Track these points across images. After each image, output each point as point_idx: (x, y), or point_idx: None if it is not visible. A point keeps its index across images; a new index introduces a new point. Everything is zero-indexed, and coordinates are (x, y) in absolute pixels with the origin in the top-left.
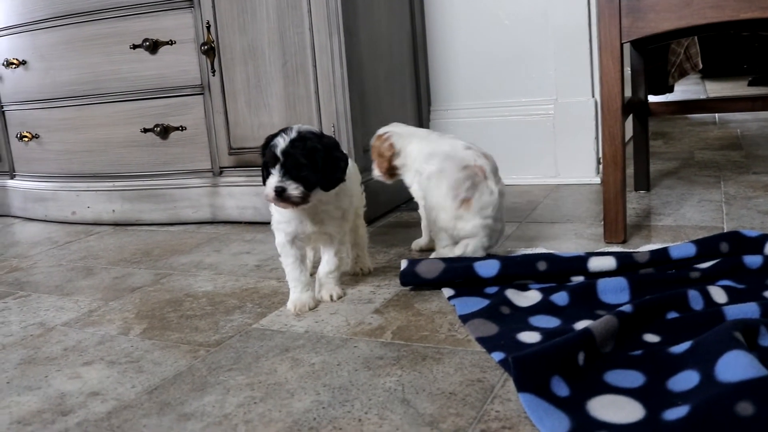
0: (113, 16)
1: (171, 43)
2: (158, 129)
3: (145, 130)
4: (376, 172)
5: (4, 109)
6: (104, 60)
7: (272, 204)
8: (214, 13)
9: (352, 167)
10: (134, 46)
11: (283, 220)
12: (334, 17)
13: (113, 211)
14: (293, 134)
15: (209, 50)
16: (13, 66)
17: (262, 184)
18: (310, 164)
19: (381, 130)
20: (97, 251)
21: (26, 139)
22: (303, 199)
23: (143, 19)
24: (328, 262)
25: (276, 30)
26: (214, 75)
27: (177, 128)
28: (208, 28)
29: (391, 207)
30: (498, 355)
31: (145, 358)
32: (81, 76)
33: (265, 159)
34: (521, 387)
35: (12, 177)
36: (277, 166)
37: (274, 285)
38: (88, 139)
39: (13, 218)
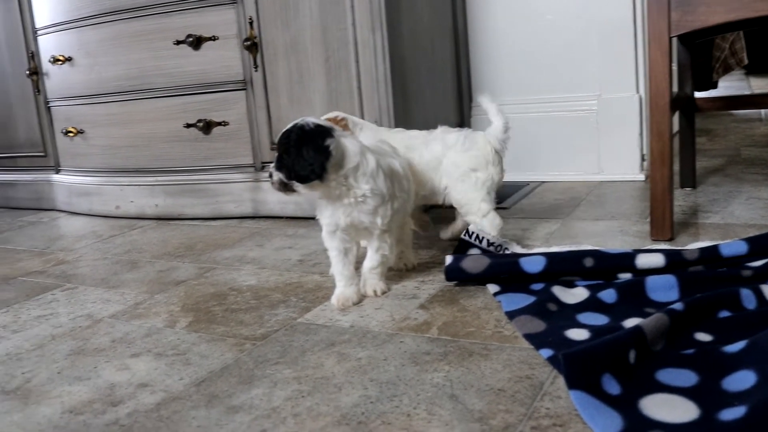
0: (158, 12)
1: (214, 38)
2: (201, 124)
3: (188, 125)
4: None
5: (50, 104)
6: (149, 56)
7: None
8: (257, 9)
9: (399, 162)
10: (178, 42)
11: (322, 211)
12: (377, 12)
13: (156, 205)
14: (290, 125)
15: (252, 46)
16: (60, 62)
17: None
18: (292, 154)
19: (333, 113)
20: (141, 245)
21: (71, 134)
22: (285, 188)
23: (187, 15)
24: (371, 257)
25: (318, 25)
26: (256, 70)
27: (219, 123)
28: (251, 23)
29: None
30: (546, 352)
31: (192, 350)
32: (126, 71)
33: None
34: (572, 384)
35: (57, 172)
36: (276, 156)
37: (318, 280)
38: (132, 134)
39: (58, 212)
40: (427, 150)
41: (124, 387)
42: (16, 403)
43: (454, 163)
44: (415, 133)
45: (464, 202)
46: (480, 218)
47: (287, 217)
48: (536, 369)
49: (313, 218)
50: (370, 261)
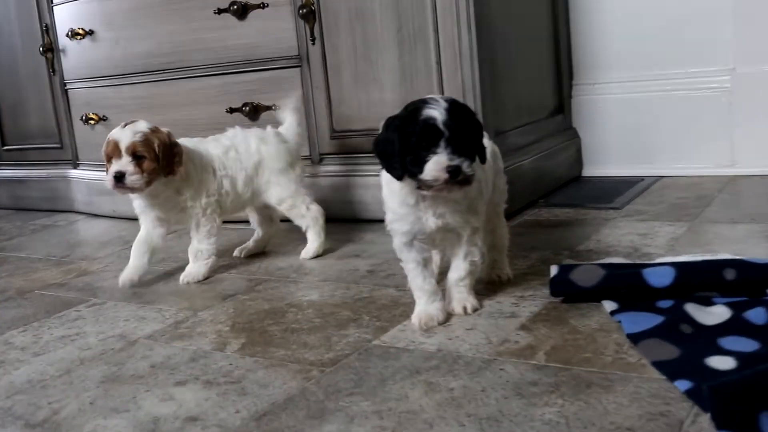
0: None
1: (263, 6)
2: (247, 108)
3: (232, 110)
4: None
5: (67, 86)
6: (184, 27)
7: (394, 196)
8: None
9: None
10: (220, 11)
11: (396, 218)
12: None
13: None
14: (444, 103)
15: (309, 14)
16: (79, 37)
17: (396, 169)
18: (477, 135)
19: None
20: (177, 252)
21: (92, 121)
22: (468, 179)
23: None
24: (457, 267)
25: None
26: (314, 43)
27: (269, 107)
28: None
29: (527, 202)
30: (683, 384)
31: (248, 378)
32: (157, 47)
33: (415, 136)
34: (721, 424)
35: (75, 166)
36: (441, 142)
37: (393, 294)
38: (165, 121)
39: (76, 214)
40: (246, 148)
41: (170, 421)
42: None
43: (274, 157)
44: (229, 134)
45: (286, 196)
46: (305, 211)
47: (350, 220)
48: (672, 404)
49: (381, 221)
50: (458, 271)
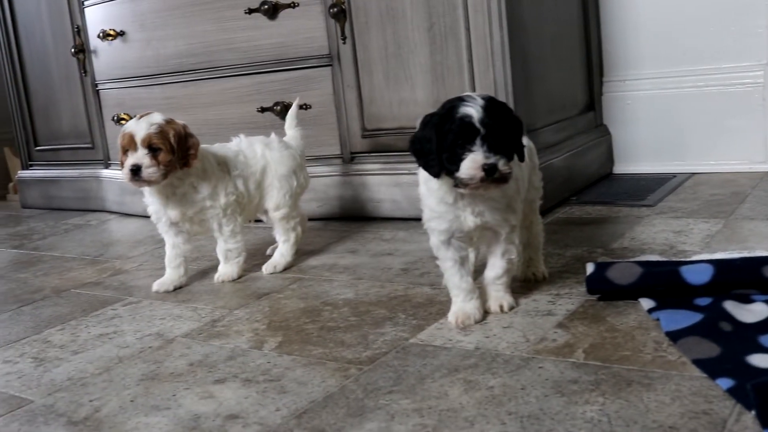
0: None
1: (294, 5)
2: (278, 108)
3: (263, 110)
4: None
5: (99, 87)
6: (215, 28)
7: (431, 194)
8: None
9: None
10: (250, 11)
11: (433, 216)
12: None
13: None
14: (480, 101)
15: (339, 13)
16: (110, 38)
17: (434, 167)
18: (514, 132)
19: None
20: (209, 251)
21: (123, 121)
22: (510, 178)
23: None
24: (494, 265)
25: None
26: (344, 42)
27: (300, 107)
28: None
29: (559, 200)
30: (725, 382)
31: (287, 376)
32: (188, 47)
33: (452, 134)
34: (767, 423)
35: (107, 166)
36: (477, 140)
37: (428, 292)
38: (196, 120)
39: (108, 213)
40: (252, 153)
41: (211, 419)
42: None
43: (278, 161)
44: (234, 142)
45: (283, 204)
46: (292, 226)
47: (382, 218)
48: (714, 403)
49: (414, 219)
50: (494, 269)
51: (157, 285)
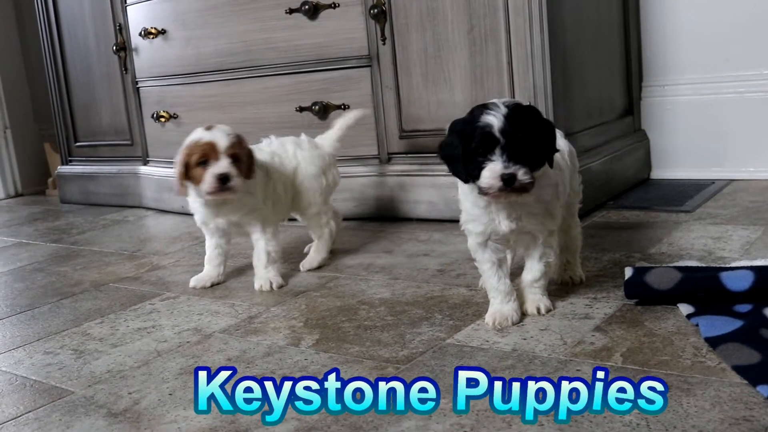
0: None
1: (334, 6)
2: (316, 107)
3: (301, 109)
4: None
5: (139, 85)
6: (255, 27)
7: (467, 197)
8: None
9: (562, 150)
10: (291, 11)
11: (470, 218)
12: None
13: None
14: (504, 109)
15: (380, 14)
16: (151, 36)
17: (461, 172)
18: (538, 141)
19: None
20: (246, 248)
21: (163, 119)
22: (532, 186)
23: None
24: (531, 268)
25: None
26: (384, 43)
27: (339, 107)
28: None
29: (596, 204)
30: (766, 389)
31: (323, 373)
32: (228, 46)
33: (473, 143)
34: None
35: (145, 163)
36: (497, 150)
37: (464, 293)
38: (235, 119)
39: (145, 210)
40: (285, 154)
41: (249, 414)
42: (126, 427)
43: (308, 161)
44: (265, 142)
45: (314, 203)
46: (324, 223)
47: (418, 219)
48: (755, 410)
49: (449, 221)
50: (532, 272)
51: (194, 281)
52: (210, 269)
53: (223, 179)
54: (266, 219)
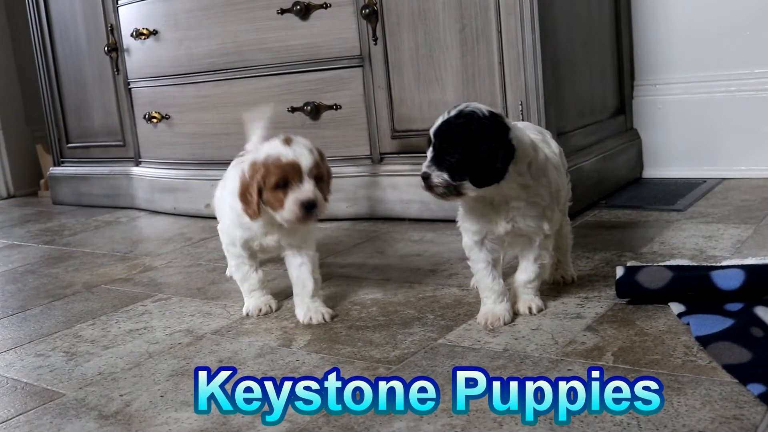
0: None
1: (325, 6)
2: (308, 108)
3: (293, 109)
4: None
5: (131, 86)
6: (247, 28)
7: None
8: None
9: (553, 152)
10: (282, 11)
11: (467, 217)
12: None
13: None
14: (453, 112)
15: (371, 14)
16: (143, 37)
17: None
18: (461, 150)
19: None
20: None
21: (155, 120)
22: (449, 192)
23: None
24: (526, 269)
25: None
26: (375, 43)
27: (330, 107)
28: None
29: (588, 203)
30: (756, 388)
31: (315, 374)
32: (220, 46)
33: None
34: None
35: (137, 164)
36: (430, 149)
37: (456, 293)
38: (226, 119)
39: (137, 210)
40: None
41: (240, 414)
42: (117, 429)
43: None
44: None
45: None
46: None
47: (410, 219)
48: (745, 408)
49: (442, 221)
50: (526, 273)
51: (252, 309)
52: (264, 298)
53: (309, 207)
54: (307, 239)
